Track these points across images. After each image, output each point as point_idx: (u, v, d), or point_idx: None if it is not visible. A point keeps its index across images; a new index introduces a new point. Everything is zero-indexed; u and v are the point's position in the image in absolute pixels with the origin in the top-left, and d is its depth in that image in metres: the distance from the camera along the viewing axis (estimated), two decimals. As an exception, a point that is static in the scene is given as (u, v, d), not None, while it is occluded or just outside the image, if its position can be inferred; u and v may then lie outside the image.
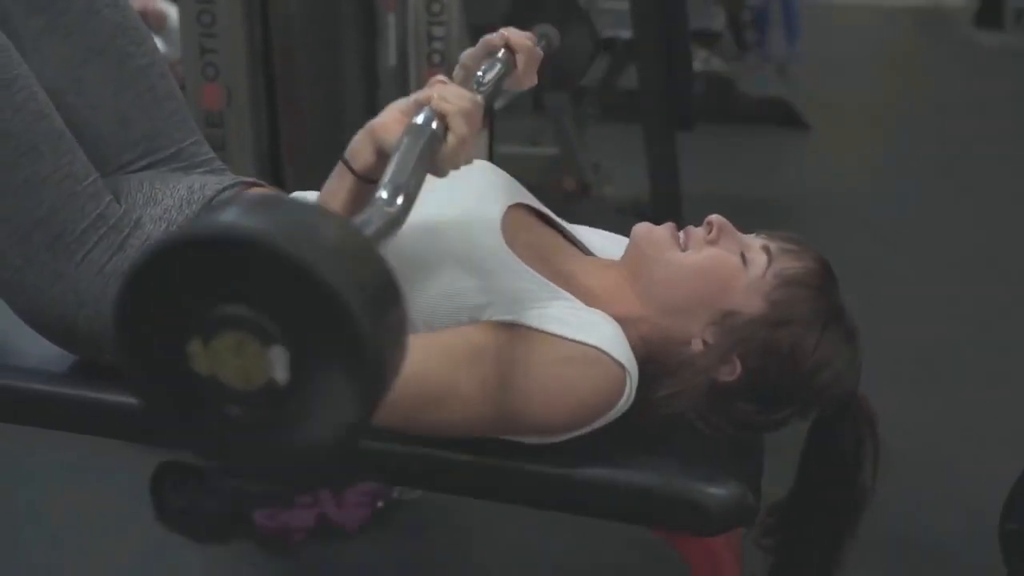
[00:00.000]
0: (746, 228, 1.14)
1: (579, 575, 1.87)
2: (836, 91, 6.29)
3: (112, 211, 1.15)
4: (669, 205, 3.14)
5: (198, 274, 0.57)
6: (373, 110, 1.01)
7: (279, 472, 0.64)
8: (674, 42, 3.04)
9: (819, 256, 1.12)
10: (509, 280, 1.05)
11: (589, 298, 1.08)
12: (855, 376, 1.10)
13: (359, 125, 0.97)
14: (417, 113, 0.91)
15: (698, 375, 1.06)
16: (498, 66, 1.16)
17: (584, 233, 1.26)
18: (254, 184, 1.29)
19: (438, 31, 2.33)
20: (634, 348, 1.07)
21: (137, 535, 1.92)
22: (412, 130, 0.89)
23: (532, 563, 1.89)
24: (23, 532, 1.94)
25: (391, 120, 0.95)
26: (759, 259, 1.09)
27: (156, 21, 3.40)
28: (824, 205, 4.00)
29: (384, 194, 0.78)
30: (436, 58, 2.35)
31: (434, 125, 0.90)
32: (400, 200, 0.78)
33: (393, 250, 0.72)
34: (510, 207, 1.16)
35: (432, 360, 0.99)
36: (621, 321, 1.07)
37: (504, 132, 3.31)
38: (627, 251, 1.15)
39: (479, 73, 1.14)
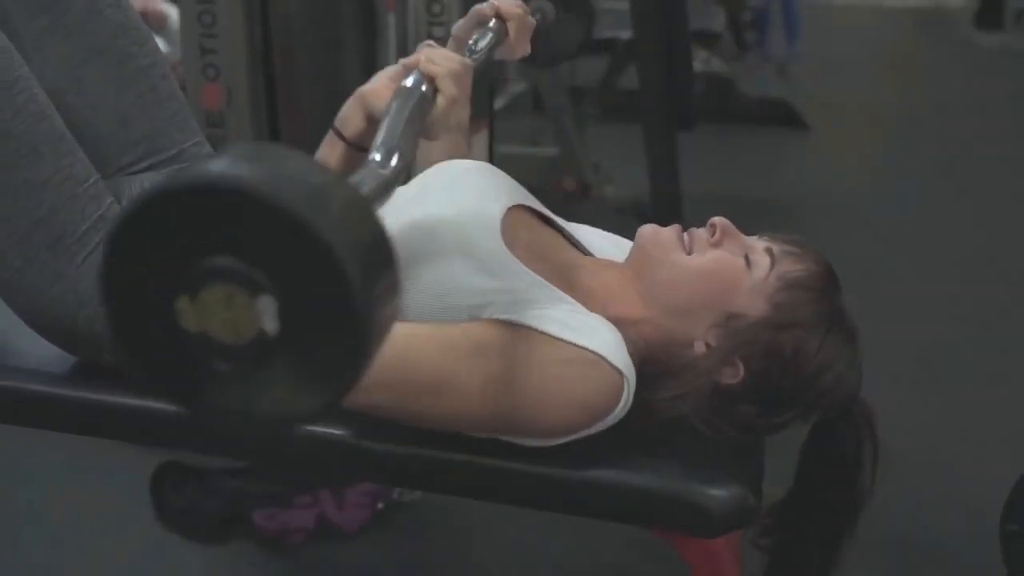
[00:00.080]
0: (746, 228, 1.14)
1: None
2: (836, 91, 6.29)
3: (113, 212, 1.15)
4: (669, 205, 3.14)
5: (186, 224, 0.56)
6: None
7: (266, 429, 0.63)
8: (674, 42, 3.04)
9: (821, 258, 1.11)
10: (509, 281, 1.05)
11: (590, 299, 1.08)
12: (857, 379, 1.10)
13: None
14: (406, 77, 0.91)
15: (700, 377, 1.06)
16: (489, 35, 1.15)
17: (584, 232, 1.26)
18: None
19: (438, 31, 2.33)
20: (636, 349, 1.07)
21: (137, 535, 1.92)
22: (401, 93, 0.88)
23: (532, 564, 1.89)
24: (23, 532, 1.94)
25: (380, 85, 0.94)
26: (762, 261, 1.09)
27: (157, 21, 3.40)
28: (824, 205, 3.99)
29: (377, 156, 0.77)
30: (436, 58, 2.35)
31: (424, 88, 0.90)
32: (394, 162, 0.77)
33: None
34: (510, 208, 1.16)
35: (435, 349, 0.99)
36: (622, 322, 1.07)
37: (504, 132, 3.31)
38: (632, 252, 1.15)
39: (470, 42, 1.13)
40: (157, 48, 1.31)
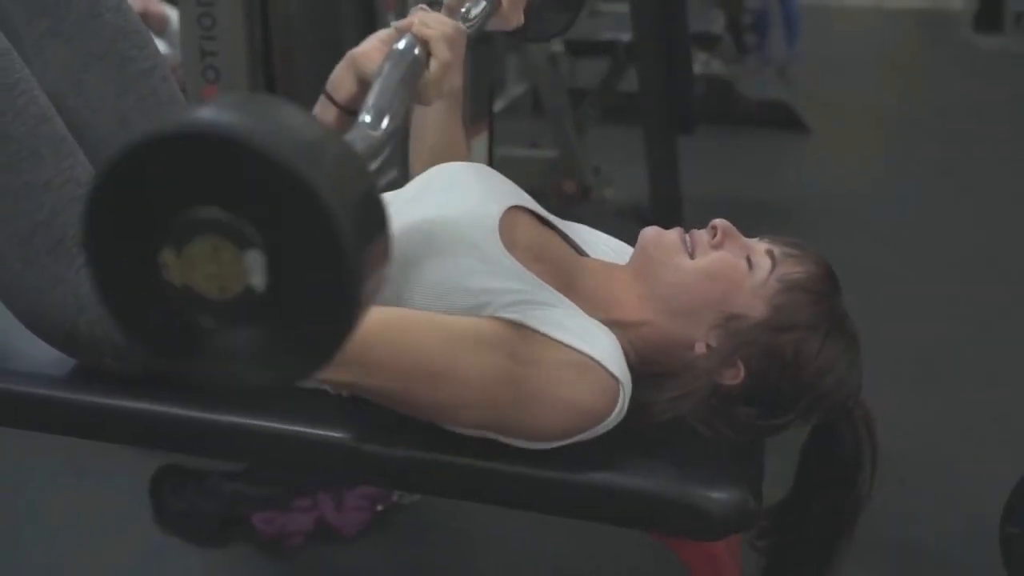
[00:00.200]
0: (747, 230, 1.14)
1: (579, 577, 1.87)
2: (836, 93, 6.29)
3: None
4: (670, 208, 3.14)
5: (171, 175, 0.54)
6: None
7: (250, 388, 0.60)
8: (674, 45, 3.04)
9: (822, 260, 1.11)
10: (507, 282, 1.05)
11: (589, 300, 1.08)
12: (857, 381, 1.10)
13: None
14: (398, 39, 0.89)
15: (701, 378, 1.06)
16: (483, 3, 1.13)
17: (581, 232, 1.26)
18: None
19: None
20: (635, 352, 1.06)
21: (136, 538, 1.92)
22: (393, 55, 0.86)
23: (532, 566, 1.89)
24: (23, 532, 1.94)
25: (371, 48, 0.93)
26: (763, 263, 1.09)
27: (157, 24, 3.40)
28: (824, 207, 3.99)
29: (367, 117, 0.75)
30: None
31: (416, 51, 0.87)
32: (385, 123, 0.75)
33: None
34: (508, 209, 1.16)
35: (437, 337, 0.99)
36: (622, 325, 1.07)
37: (504, 134, 3.32)
38: (634, 254, 1.15)
39: (463, 10, 1.11)
40: (157, 51, 1.31)
